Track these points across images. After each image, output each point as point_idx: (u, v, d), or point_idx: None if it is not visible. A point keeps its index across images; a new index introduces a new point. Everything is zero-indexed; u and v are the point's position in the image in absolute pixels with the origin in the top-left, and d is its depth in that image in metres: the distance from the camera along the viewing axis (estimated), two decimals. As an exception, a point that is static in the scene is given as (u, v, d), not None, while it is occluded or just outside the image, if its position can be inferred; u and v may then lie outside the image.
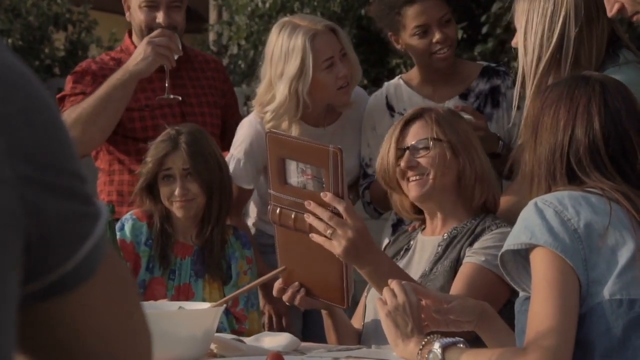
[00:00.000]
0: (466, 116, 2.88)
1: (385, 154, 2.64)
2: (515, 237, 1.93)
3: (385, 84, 3.38)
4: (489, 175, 2.60)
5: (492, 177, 2.61)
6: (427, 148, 2.57)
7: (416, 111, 2.65)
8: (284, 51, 3.05)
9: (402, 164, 2.58)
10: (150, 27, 3.26)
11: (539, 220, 1.89)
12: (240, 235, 3.07)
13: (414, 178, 2.58)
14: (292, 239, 2.38)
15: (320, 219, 2.26)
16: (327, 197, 2.25)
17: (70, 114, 3.18)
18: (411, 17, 3.11)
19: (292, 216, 2.32)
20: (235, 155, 3.18)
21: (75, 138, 3.51)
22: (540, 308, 1.85)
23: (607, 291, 1.85)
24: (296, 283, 2.41)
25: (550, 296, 1.84)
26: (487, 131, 2.99)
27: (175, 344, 2.16)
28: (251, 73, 6.72)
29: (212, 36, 7.71)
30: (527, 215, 1.93)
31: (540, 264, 1.88)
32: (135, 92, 3.26)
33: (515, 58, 5.81)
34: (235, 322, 2.92)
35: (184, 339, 2.18)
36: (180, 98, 3.28)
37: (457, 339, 2.00)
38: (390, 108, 3.22)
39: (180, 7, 3.31)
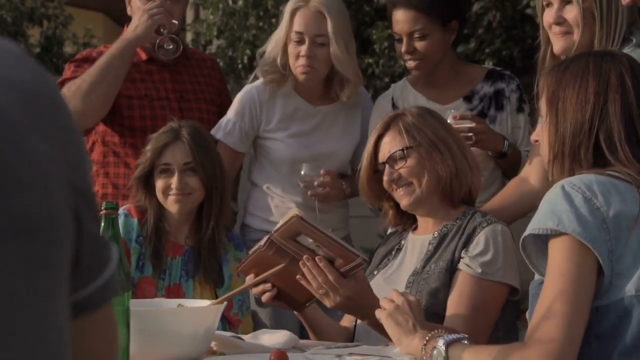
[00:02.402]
0: (467, 123, 2.91)
1: (362, 171, 2.71)
2: (540, 222, 1.82)
3: (392, 85, 3.44)
4: (463, 166, 2.62)
5: (467, 166, 2.63)
6: (403, 158, 2.61)
7: (385, 123, 2.69)
8: (284, 13, 3.26)
9: (385, 178, 2.64)
10: None
11: (567, 206, 1.79)
12: (233, 237, 3.03)
13: (400, 190, 2.62)
14: (272, 263, 2.40)
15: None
16: (321, 263, 2.33)
17: (70, 87, 3.20)
18: (393, 22, 3.21)
19: (288, 259, 2.37)
20: (227, 116, 3.32)
21: (75, 110, 3.57)
22: (550, 301, 1.77)
23: (632, 286, 1.77)
24: (269, 284, 2.45)
25: (563, 290, 1.76)
26: (489, 133, 3.03)
27: (176, 342, 2.15)
28: (230, 71, 6.70)
29: (190, 35, 7.69)
30: (554, 198, 1.82)
31: (560, 254, 1.79)
32: (136, 82, 3.30)
33: (492, 57, 5.86)
34: (229, 327, 2.89)
35: (186, 336, 2.16)
36: (181, 45, 3.32)
37: (462, 335, 1.98)
38: (396, 109, 3.24)
39: (179, 1, 3.34)
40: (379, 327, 2.33)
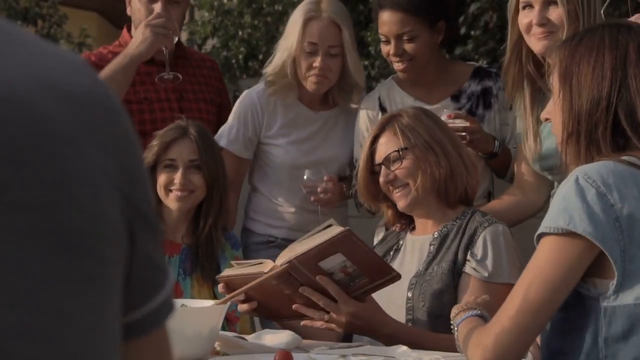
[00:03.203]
0: (459, 122, 2.91)
1: (360, 173, 2.71)
2: (553, 220, 1.74)
3: (378, 85, 3.42)
4: (458, 167, 2.62)
5: (463, 167, 2.63)
6: (398, 159, 2.61)
7: (381, 124, 2.70)
8: (291, 21, 3.24)
9: (381, 179, 2.65)
10: None
11: (579, 203, 1.70)
12: (229, 236, 3.04)
13: (396, 191, 2.63)
14: (270, 288, 2.39)
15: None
16: (322, 280, 2.32)
17: None
18: (379, 23, 3.18)
19: (292, 290, 2.35)
20: (229, 122, 3.32)
21: None
22: (521, 292, 1.74)
23: None
24: (243, 295, 2.44)
25: (539, 285, 1.72)
26: (481, 133, 3.02)
27: (180, 342, 2.10)
28: (225, 71, 6.72)
29: (185, 35, 7.70)
30: (567, 193, 1.73)
31: (555, 250, 1.73)
32: (135, 85, 3.29)
33: (486, 56, 5.87)
34: (227, 324, 2.88)
35: (190, 337, 2.15)
36: (180, 77, 3.31)
37: (475, 311, 1.98)
38: (383, 110, 3.24)
39: (179, 3, 3.33)
40: (396, 344, 2.34)
